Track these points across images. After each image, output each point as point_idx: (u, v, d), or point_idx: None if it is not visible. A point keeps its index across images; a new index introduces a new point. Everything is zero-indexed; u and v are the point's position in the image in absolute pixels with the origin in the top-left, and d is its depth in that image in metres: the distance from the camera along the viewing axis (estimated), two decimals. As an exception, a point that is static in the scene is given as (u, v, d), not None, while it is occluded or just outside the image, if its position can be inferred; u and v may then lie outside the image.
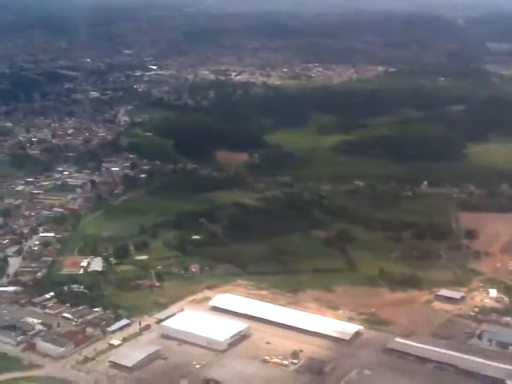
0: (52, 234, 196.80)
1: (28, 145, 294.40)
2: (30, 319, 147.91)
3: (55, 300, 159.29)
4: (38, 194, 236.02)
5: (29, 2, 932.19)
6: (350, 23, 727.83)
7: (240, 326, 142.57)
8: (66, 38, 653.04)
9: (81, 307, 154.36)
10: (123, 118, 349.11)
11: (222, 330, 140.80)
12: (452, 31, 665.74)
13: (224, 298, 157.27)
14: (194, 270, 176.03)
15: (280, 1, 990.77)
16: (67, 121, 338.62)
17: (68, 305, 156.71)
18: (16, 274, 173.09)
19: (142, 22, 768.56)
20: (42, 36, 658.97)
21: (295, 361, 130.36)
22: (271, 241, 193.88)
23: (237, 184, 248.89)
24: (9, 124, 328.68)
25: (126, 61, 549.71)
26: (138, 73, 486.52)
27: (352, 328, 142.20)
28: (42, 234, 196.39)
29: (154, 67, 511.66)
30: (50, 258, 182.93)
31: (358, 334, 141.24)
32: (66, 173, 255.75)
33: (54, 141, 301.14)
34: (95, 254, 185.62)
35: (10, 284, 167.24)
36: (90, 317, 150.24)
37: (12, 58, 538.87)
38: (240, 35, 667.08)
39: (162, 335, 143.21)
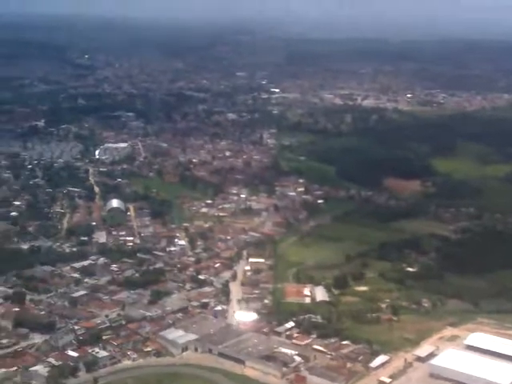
0: (261, 260, 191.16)
1: (191, 166, 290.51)
2: (285, 350, 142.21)
3: (297, 330, 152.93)
4: (224, 216, 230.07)
5: (137, 24, 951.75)
6: (457, 49, 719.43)
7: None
8: (176, 60, 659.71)
9: (332, 340, 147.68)
10: (270, 141, 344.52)
11: (499, 372, 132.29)
12: None
13: (479, 337, 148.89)
14: (425, 304, 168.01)
15: (359, 28, 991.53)
16: (219, 142, 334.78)
17: (314, 336, 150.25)
18: (242, 300, 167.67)
19: (239, 46, 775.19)
20: (154, 57, 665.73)
21: None
22: (488, 275, 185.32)
23: (420, 213, 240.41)
24: (164, 144, 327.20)
25: (243, 83, 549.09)
26: (265, 95, 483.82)
27: None
28: (251, 260, 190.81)
29: (277, 90, 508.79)
30: (269, 285, 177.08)
31: None
32: (242, 196, 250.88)
33: (214, 162, 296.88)
34: (313, 282, 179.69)
35: (242, 311, 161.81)
36: (345, 351, 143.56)
37: (132, 79, 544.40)
38: (347, 59, 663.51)
39: (432, 374, 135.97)
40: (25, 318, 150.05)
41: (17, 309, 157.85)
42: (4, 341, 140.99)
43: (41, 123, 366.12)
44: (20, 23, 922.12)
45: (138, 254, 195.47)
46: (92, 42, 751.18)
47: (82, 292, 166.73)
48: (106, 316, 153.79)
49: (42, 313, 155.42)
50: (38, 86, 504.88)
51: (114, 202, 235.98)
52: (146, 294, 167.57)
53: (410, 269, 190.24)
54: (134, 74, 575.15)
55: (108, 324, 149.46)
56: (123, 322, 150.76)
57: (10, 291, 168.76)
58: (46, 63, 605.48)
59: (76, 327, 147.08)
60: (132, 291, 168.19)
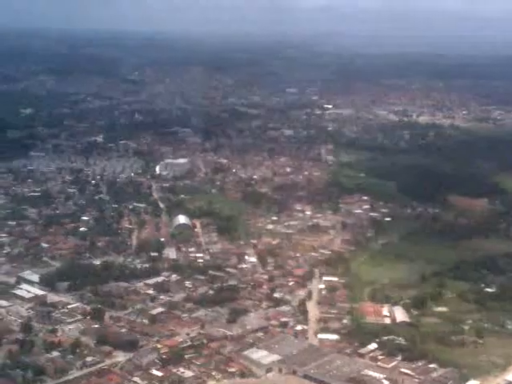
0: (335, 278, 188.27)
1: (252, 182, 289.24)
2: (372, 373, 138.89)
3: (381, 352, 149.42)
4: (291, 234, 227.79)
5: (182, 39, 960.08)
6: (510, 65, 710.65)
7: None
8: (225, 76, 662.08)
9: (419, 363, 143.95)
10: (328, 158, 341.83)
11: None
12: None
13: None
14: (509, 326, 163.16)
15: (407, 43, 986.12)
16: (278, 159, 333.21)
17: (399, 358, 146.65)
18: (321, 320, 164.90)
19: (287, 61, 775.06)
20: (203, 73, 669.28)
21: None
22: None
23: (491, 232, 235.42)
24: (223, 160, 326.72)
25: (294, 99, 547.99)
26: (318, 111, 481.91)
27: None
28: (325, 278, 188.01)
29: (330, 106, 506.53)
30: (346, 305, 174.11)
31: None
32: (307, 213, 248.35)
33: (276, 179, 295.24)
34: (390, 302, 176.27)
35: (322, 331, 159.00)
36: (433, 374, 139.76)
37: (183, 95, 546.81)
38: (398, 75, 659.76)
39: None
40: (106, 335, 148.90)
41: (97, 326, 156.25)
42: (89, 359, 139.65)
43: (99, 139, 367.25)
44: (68, 39, 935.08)
45: (209, 271, 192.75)
46: (139, 57, 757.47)
47: (160, 309, 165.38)
48: (187, 334, 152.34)
49: (123, 330, 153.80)
50: (92, 101, 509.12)
51: (181, 218, 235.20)
52: (223, 311, 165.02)
53: (489, 289, 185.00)
54: (186, 89, 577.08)
55: (190, 343, 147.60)
56: (204, 341, 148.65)
57: (88, 307, 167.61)
58: (97, 78, 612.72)
59: (158, 345, 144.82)
60: (209, 309, 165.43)
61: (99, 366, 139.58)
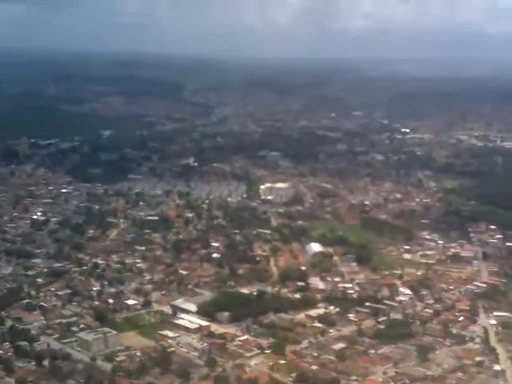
0: (506, 313, 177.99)
1: (367, 208, 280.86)
2: None
3: None
4: (432, 264, 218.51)
5: (237, 62, 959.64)
6: None
7: None
8: (289, 99, 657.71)
9: None
10: (431, 184, 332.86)
11: None
12: None
13: None
14: None
15: (469, 66, 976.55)
16: (381, 184, 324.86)
17: None
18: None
19: (348, 84, 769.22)
20: (266, 96, 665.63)
21: None
22: None
23: None
24: (326, 185, 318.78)
25: (365, 123, 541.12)
26: (398, 135, 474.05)
27: None
28: (496, 313, 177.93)
29: (407, 130, 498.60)
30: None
31: None
32: (440, 242, 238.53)
33: (389, 205, 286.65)
34: None
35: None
36: None
37: (253, 118, 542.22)
38: (464, 99, 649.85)
39: None
40: (303, 373, 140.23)
41: (283, 361, 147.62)
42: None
43: (191, 162, 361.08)
44: (129, 61, 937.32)
45: (366, 303, 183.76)
46: (196, 79, 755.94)
47: (341, 344, 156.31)
48: (384, 373, 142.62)
49: (313, 367, 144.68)
50: (165, 123, 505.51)
51: (315, 246, 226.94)
52: (409, 348, 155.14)
53: None
54: (253, 112, 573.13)
55: (392, 383, 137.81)
56: (407, 381, 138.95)
57: (257, 340, 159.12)
58: (163, 101, 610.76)
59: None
60: (392, 345, 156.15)
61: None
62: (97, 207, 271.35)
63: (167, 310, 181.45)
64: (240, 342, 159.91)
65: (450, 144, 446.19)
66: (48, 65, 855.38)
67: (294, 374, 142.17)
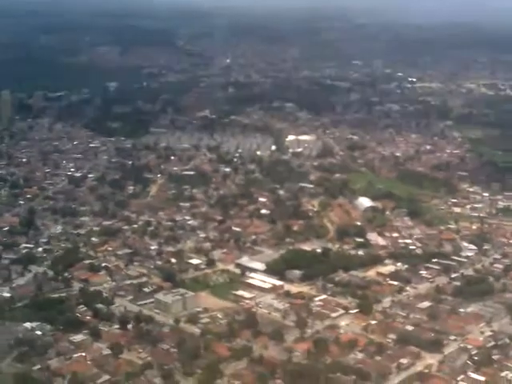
0: None
1: (401, 161, 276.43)
2: None
3: None
4: (484, 217, 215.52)
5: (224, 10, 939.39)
6: None
7: None
8: (287, 48, 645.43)
9: None
10: (455, 134, 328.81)
11: None
12: None
13: None
14: None
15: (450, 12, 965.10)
16: (407, 135, 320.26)
17: None
18: None
19: (342, 33, 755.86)
20: (263, 45, 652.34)
21: None
22: None
23: None
24: (353, 137, 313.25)
25: (368, 72, 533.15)
26: (407, 85, 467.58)
27: None
28: None
29: (414, 79, 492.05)
30: None
31: None
32: (485, 194, 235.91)
33: (423, 157, 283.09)
34: None
35: None
36: None
37: (255, 68, 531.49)
38: (459, 47, 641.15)
39: None
40: (401, 334, 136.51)
41: (374, 322, 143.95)
42: (403, 361, 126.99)
43: (207, 114, 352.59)
44: (118, 10, 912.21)
45: (433, 260, 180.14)
46: (192, 29, 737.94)
47: (426, 303, 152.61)
48: (481, 332, 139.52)
49: (409, 327, 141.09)
50: (167, 74, 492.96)
51: (364, 201, 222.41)
52: (495, 306, 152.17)
53: None
54: (254, 62, 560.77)
55: (493, 342, 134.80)
56: (507, 341, 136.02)
57: (344, 301, 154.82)
58: (158, 51, 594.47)
59: (468, 346, 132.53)
60: (480, 303, 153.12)
61: (414, 368, 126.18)
62: (129, 162, 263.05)
63: (233, 269, 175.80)
64: (321, 302, 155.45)
65: (460, 93, 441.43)
66: (34, 15, 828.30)
67: (391, 335, 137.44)
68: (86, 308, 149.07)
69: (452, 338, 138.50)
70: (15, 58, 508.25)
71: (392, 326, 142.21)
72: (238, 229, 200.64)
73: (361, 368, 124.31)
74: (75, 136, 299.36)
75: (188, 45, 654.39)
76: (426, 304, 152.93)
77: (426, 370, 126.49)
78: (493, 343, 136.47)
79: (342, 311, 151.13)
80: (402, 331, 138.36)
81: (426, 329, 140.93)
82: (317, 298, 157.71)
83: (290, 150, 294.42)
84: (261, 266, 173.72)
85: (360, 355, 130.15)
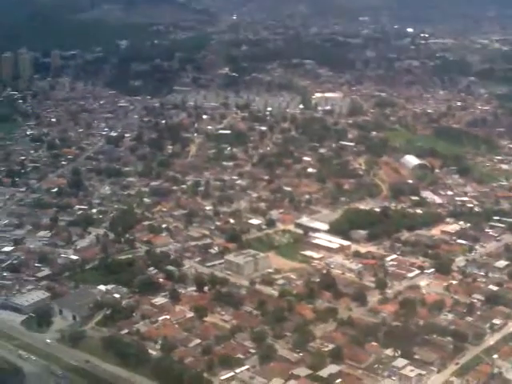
0: None
1: (435, 117, 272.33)
2: None
3: None
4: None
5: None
6: None
7: None
8: (290, 3, 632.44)
9: None
10: (481, 91, 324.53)
11: None
12: None
13: None
14: None
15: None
16: (434, 92, 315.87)
17: None
18: None
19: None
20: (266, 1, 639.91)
21: None
22: None
23: None
24: (381, 94, 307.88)
25: (376, 28, 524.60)
26: (421, 41, 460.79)
27: None
28: None
29: (427, 35, 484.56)
30: None
31: None
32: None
33: (456, 113, 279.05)
34: None
35: None
36: None
37: (263, 25, 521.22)
38: (470, 1, 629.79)
39: None
40: (487, 294, 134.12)
41: (455, 282, 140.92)
42: (496, 321, 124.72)
43: (228, 71, 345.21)
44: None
45: (494, 217, 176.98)
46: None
47: (503, 262, 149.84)
48: None
49: (493, 287, 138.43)
50: (175, 32, 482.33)
51: (412, 159, 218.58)
52: None
53: None
54: (261, 19, 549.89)
55: None
56: None
57: (417, 261, 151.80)
58: (162, 7, 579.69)
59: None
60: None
61: (506, 329, 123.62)
62: (162, 122, 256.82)
63: (294, 229, 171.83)
64: (394, 262, 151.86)
65: (476, 49, 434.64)
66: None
67: (476, 296, 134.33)
68: (156, 270, 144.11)
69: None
70: (16, 15, 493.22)
71: (475, 286, 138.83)
72: (288, 188, 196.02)
73: (456, 329, 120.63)
74: (99, 95, 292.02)
75: (191, 1, 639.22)
76: (503, 263, 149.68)
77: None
78: None
79: (417, 271, 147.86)
80: (487, 291, 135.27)
81: (510, 288, 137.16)
82: (388, 258, 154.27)
83: (319, 108, 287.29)
84: (323, 225, 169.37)
85: (450, 316, 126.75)
